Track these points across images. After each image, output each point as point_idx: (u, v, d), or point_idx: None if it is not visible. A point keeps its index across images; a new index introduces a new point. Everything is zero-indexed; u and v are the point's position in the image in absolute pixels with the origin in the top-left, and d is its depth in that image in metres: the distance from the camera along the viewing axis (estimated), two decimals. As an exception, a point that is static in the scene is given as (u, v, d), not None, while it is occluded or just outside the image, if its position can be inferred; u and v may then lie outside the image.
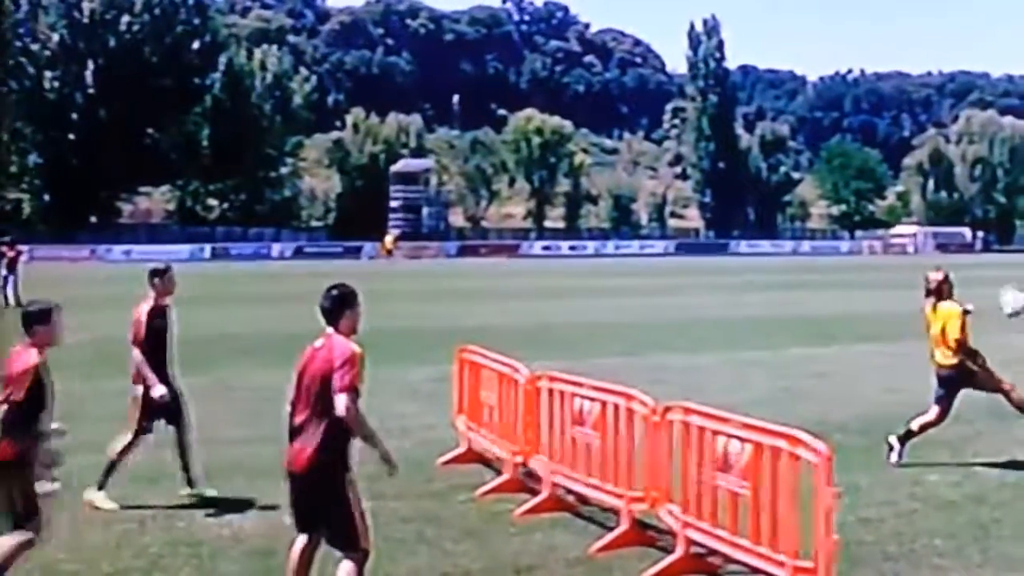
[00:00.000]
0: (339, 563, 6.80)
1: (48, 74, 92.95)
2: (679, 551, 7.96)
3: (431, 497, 10.26)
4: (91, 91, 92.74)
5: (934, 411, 11.78)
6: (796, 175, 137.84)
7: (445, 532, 9.11)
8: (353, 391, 6.75)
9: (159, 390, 9.91)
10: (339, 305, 7.05)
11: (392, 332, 26.50)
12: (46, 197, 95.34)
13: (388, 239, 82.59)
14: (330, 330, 7.00)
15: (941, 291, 11.72)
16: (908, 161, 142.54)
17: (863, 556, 8.22)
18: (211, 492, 10.19)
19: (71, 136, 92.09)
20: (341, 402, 6.68)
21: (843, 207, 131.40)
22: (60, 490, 10.26)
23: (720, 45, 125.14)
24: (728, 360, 20.86)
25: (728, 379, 17.89)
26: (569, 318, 30.79)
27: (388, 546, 8.70)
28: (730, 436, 7.52)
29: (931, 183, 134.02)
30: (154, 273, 10.70)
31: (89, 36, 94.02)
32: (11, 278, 33.84)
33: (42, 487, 10.22)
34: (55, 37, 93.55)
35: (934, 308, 11.74)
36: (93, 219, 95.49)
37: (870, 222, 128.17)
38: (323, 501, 6.79)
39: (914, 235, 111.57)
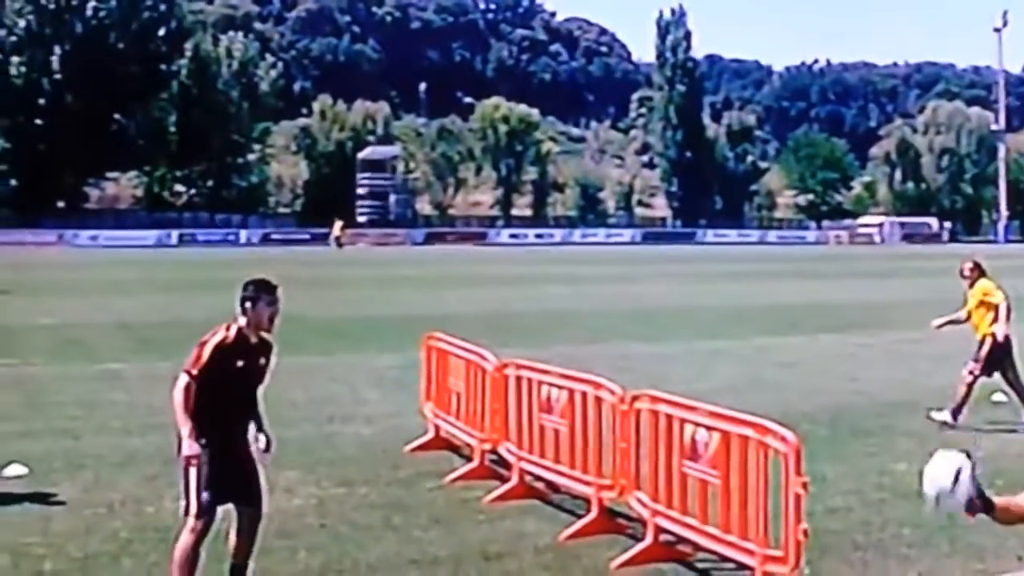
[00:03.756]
0: None
1: (15, 59, 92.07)
2: (648, 539, 7.98)
3: (399, 484, 10.24)
4: (58, 76, 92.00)
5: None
6: (763, 165, 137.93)
7: (413, 519, 9.09)
8: (186, 372, 6.91)
9: None
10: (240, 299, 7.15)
11: (358, 319, 26.52)
12: (12, 182, 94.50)
13: (336, 228, 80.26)
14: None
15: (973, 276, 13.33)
16: (875, 151, 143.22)
17: (831, 545, 8.25)
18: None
19: (37, 121, 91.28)
20: None
21: (810, 197, 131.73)
22: (28, 474, 10.27)
23: (687, 35, 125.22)
24: (693, 349, 20.92)
25: (693, 368, 17.91)
26: (535, 306, 30.81)
27: (355, 533, 8.71)
28: (698, 425, 7.52)
29: (898, 173, 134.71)
30: None
31: (56, 22, 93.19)
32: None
33: (11, 470, 10.22)
34: (21, 23, 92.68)
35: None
36: (60, 204, 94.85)
37: (837, 212, 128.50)
38: None
39: (881, 225, 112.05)
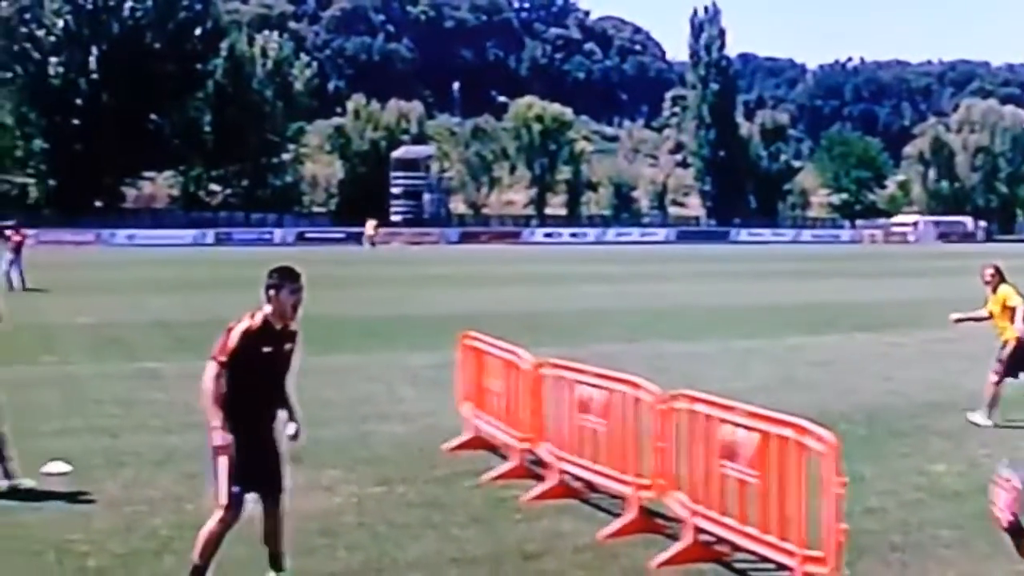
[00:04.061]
0: None
1: (53, 60, 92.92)
2: (687, 539, 7.98)
3: (437, 483, 10.27)
4: (95, 76, 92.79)
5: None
6: (797, 163, 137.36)
7: (451, 518, 9.12)
8: (213, 359, 7.02)
9: None
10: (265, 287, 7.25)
11: (392, 318, 26.59)
12: (51, 182, 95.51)
13: (369, 227, 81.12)
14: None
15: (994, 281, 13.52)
16: (909, 150, 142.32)
17: (869, 546, 8.23)
18: (28, 483, 9.89)
19: (75, 121, 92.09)
20: None
21: (844, 196, 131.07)
22: (70, 471, 10.38)
23: (721, 33, 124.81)
24: (728, 348, 20.86)
25: (728, 367, 17.87)
26: (570, 305, 30.82)
27: (394, 531, 8.74)
28: (737, 424, 7.52)
29: (932, 172, 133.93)
30: None
31: (93, 22, 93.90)
32: (17, 262, 33.96)
33: (53, 468, 10.33)
34: (59, 23, 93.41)
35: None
36: (98, 204, 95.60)
37: (871, 211, 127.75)
38: None
39: (915, 224, 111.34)
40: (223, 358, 6.98)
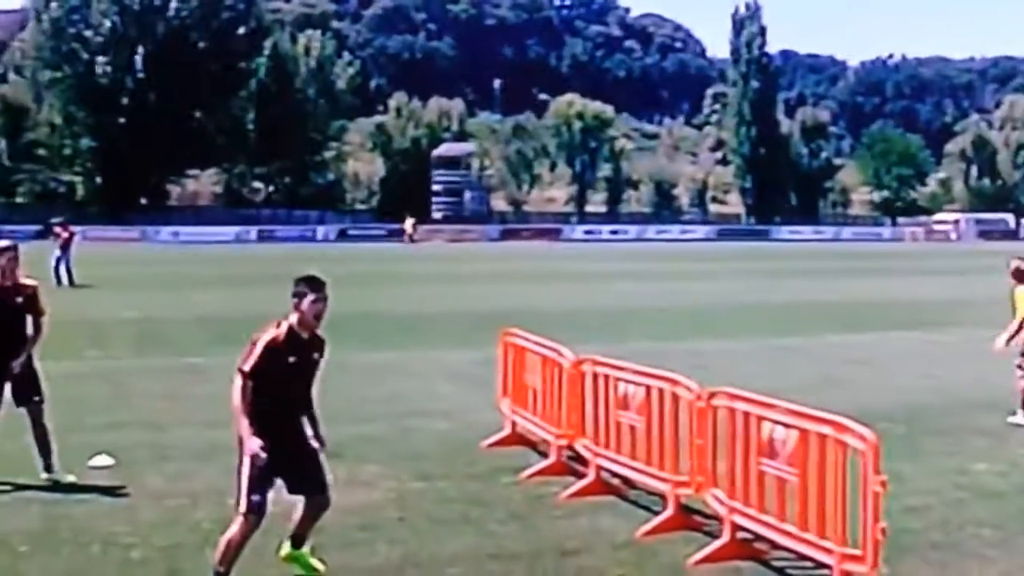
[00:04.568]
0: None
1: (100, 59, 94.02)
2: (725, 536, 7.99)
3: (476, 479, 10.32)
4: (141, 76, 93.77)
5: None
6: (837, 161, 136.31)
7: (490, 514, 9.17)
8: (239, 371, 7.11)
9: None
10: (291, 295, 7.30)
11: (432, 315, 26.69)
12: (98, 179, 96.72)
13: (408, 224, 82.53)
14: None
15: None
16: (950, 147, 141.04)
17: (909, 545, 8.21)
18: (70, 478, 10.02)
19: (121, 120, 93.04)
20: None
21: (885, 193, 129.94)
22: (115, 464, 10.53)
23: (762, 30, 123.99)
24: (766, 346, 20.81)
25: (767, 365, 17.81)
26: (609, 302, 30.83)
27: (434, 526, 8.81)
28: (776, 422, 7.52)
29: (974, 169, 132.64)
30: None
31: (139, 22, 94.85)
32: (65, 258, 34.37)
33: (99, 461, 10.48)
34: (106, 23, 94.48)
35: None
36: (143, 201, 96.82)
37: (912, 208, 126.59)
38: None
39: (956, 222, 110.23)
40: (247, 368, 7.08)
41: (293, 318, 7.23)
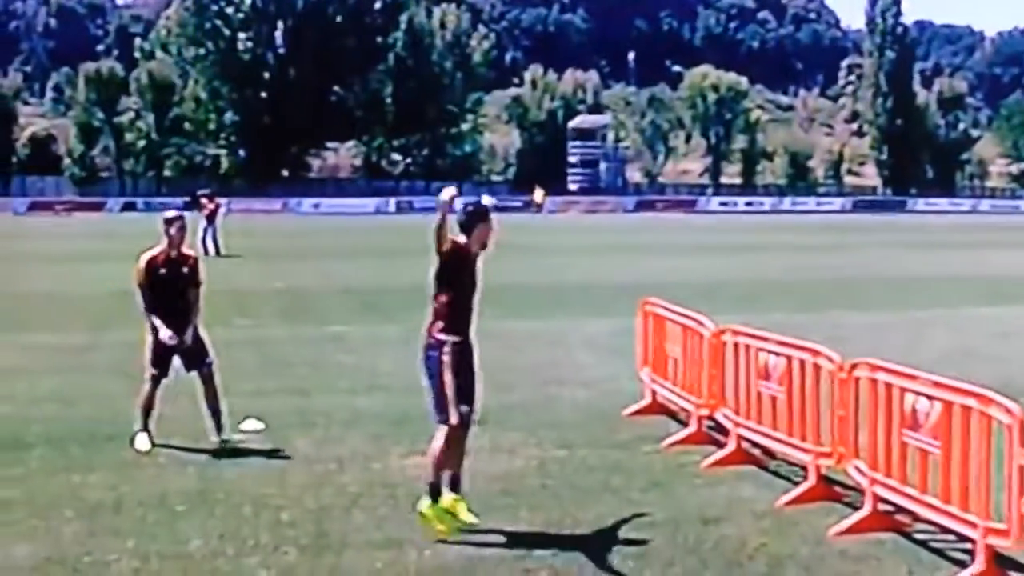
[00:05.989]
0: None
1: (241, 35, 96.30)
2: (867, 508, 7.94)
3: (617, 447, 10.40)
4: (281, 51, 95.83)
5: None
6: (975, 132, 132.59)
7: (631, 482, 9.24)
8: None
9: (165, 333, 10.07)
10: (471, 220, 8.10)
11: (571, 286, 26.81)
12: (241, 153, 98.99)
13: (538, 194, 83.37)
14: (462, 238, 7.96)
15: None
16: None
17: (1055, 519, 8.06)
18: (236, 437, 10.42)
19: (263, 94, 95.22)
20: None
21: (1023, 165, 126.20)
22: (264, 429, 10.89)
23: (897, 0, 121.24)
24: (906, 318, 20.43)
25: (907, 337, 17.46)
26: (746, 274, 30.58)
27: (575, 494, 8.91)
28: (919, 394, 7.43)
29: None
30: (167, 222, 10.28)
31: None
32: (211, 229, 35.36)
33: (250, 425, 10.85)
34: (247, 1, 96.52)
35: None
36: (285, 173, 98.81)
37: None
38: None
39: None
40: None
41: (460, 239, 7.98)
